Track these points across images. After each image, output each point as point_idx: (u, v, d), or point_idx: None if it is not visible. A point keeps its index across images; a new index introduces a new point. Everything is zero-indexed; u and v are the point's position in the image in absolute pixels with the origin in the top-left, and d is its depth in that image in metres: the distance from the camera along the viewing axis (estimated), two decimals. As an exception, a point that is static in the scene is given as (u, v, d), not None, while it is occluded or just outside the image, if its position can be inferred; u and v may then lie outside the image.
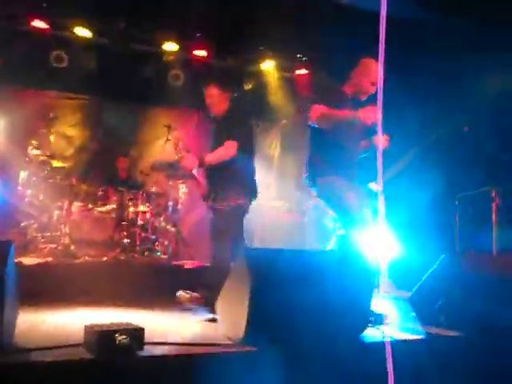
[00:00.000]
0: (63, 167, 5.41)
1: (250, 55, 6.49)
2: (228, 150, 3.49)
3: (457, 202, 5.34)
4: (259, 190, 3.73)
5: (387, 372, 1.67)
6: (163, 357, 2.03)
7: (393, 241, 4.37)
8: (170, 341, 2.28)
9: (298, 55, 6.53)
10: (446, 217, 5.41)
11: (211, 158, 3.55)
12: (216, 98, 3.66)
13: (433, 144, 5.53)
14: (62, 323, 2.93)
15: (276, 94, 6.83)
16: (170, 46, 6.18)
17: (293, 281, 2.35)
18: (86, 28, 5.79)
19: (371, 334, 2.65)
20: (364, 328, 2.54)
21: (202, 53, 6.28)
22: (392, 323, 3.03)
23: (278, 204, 6.69)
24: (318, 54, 6.18)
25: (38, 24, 5.61)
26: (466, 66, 4.80)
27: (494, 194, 4.97)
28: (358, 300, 2.51)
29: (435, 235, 5.20)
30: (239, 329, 2.32)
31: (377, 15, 1.73)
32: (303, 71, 6.67)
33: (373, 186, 4.55)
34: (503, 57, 4.48)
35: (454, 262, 3.20)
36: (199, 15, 5.46)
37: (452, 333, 2.76)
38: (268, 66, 6.62)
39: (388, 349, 1.76)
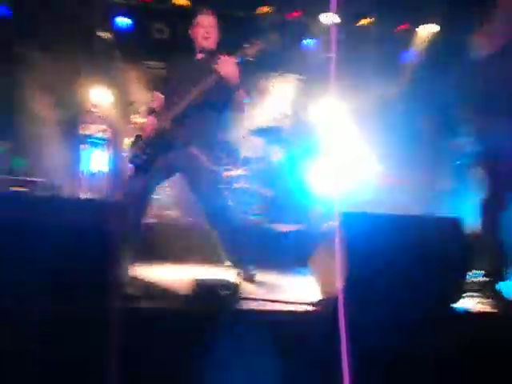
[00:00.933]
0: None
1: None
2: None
3: None
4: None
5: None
6: (258, 312, 2.11)
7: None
8: (265, 297, 2.35)
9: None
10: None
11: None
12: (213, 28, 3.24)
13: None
14: (172, 277, 3.16)
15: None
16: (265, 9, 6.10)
17: (390, 245, 2.29)
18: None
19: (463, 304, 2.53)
20: (456, 300, 2.43)
21: (296, 14, 6.14)
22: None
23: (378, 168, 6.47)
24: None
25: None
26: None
27: None
28: (453, 271, 2.39)
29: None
30: (335, 288, 2.32)
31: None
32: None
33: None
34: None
35: None
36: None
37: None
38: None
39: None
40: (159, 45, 6.11)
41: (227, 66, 2.93)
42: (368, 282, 2.26)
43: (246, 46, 3.00)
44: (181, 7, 6.00)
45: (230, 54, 3.05)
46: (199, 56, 3.27)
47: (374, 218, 2.44)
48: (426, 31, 6.36)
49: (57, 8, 5.69)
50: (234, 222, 3.27)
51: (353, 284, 2.23)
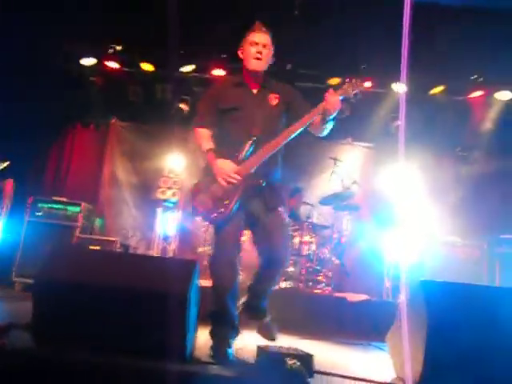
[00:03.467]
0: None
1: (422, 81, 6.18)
2: None
3: None
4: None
5: None
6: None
7: None
8: (340, 372, 2.21)
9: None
10: None
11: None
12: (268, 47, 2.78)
13: None
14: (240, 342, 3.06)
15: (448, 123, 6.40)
16: (334, 81, 6.27)
17: (478, 319, 2.09)
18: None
19: None
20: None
21: (367, 84, 6.24)
22: None
23: (452, 239, 6.16)
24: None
25: (218, 72, 6.23)
26: None
27: None
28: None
29: None
30: (414, 370, 2.13)
31: None
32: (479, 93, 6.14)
33: None
34: None
35: None
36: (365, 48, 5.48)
37: None
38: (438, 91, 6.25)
39: None
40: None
41: (334, 100, 2.56)
42: (454, 366, 2.05)
43: (347, 81, 2.63)
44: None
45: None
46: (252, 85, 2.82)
47: (456, 288, 2.25)
48: (501, 97, 6.22)
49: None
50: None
51: (434, 367, 2.04)
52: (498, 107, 6.29)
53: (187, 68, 6.19)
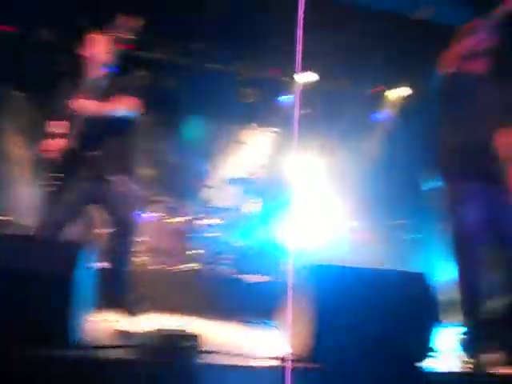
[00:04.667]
0: (143, 179, 5.70)
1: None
2: None
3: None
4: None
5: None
6: (218, 366, 2.03)
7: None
8: (223, 350, 2.27)
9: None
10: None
11: None
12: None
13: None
14: (126, 327, 3.02)
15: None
16: (245, 65, 6.32)
17: (358, 300, 2.26)
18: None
19: (430, 363, 2.48)
20: (423, 357, 2.39)
21: (276, 72, 6.36)
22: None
23: (352, 224, 6.54)
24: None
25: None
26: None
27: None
28: (419, 327, 2.37)
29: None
30: (303, 345, 2.27)
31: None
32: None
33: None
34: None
35: None
36: (276, 35, 5.56)
37: None
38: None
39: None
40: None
41: None
42: (336, 337, 2.21)
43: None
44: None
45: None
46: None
47: (341, 271, 2.42)
48: (397, 93, 6.67)
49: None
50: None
51: (320, 339, 2.18)
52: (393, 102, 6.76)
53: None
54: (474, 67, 2.83)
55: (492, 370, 2.52)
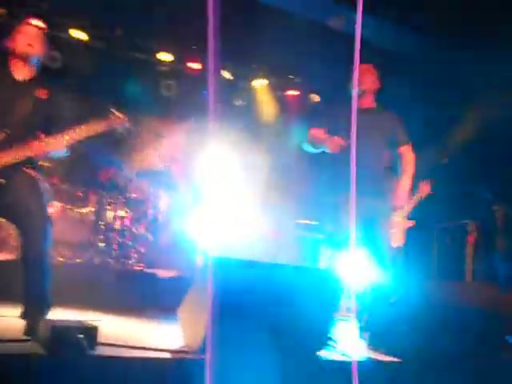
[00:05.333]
0: (46, 166, 5.39)
1: (244, 71, 6.58)
2: None
3: (435, 233, 5.43)
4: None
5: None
6: (114, 358, 2.01)
7: (368, 266, 4.40)
8: (122, 343, 2.25)
9: (290, 76, 6.65)
10: (424, 247, 5.46)
11: None
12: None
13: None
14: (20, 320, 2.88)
15: (267, 112, 6.93)
16: (165, 56, 6.24)
17: (256, 293, 2.35)
18: (84, 31, 5.84)
19: (326, 354, 2.66)
20: (320, 348, 2.55)
21: (196, 65, 6.35)
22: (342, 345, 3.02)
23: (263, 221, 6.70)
24: (310, 76, 6.31)
25: (35, 23, 5.63)
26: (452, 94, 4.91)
27: (470, 228, 5.06)
28: (317, 319, 2.52)
29: (412, 264, 5.23)
30: (198, 338, 2.30)
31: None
32: (294, 92, 6.77)
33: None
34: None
35: (423, 290, 3.22)
36: (196, 28, 5.56)
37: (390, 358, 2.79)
38: (260, 84, 6.70)
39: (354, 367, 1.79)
40: None
41: None
42: (235, 330, 2.27)
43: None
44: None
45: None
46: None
47: (242, 264, 2.49)
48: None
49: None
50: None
51: (219, 332, 2.23)
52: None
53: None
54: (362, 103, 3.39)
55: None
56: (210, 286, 2.30)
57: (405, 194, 3.34)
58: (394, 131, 3.39)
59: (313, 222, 6.28)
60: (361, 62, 1.83)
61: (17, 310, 3.09)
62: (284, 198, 6.63)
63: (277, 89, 6.85)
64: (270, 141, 6.97)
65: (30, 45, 2.68)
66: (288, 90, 6.82)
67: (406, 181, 3.34)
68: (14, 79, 2.69)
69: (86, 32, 5.86)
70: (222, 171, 5.97)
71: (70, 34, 5.83)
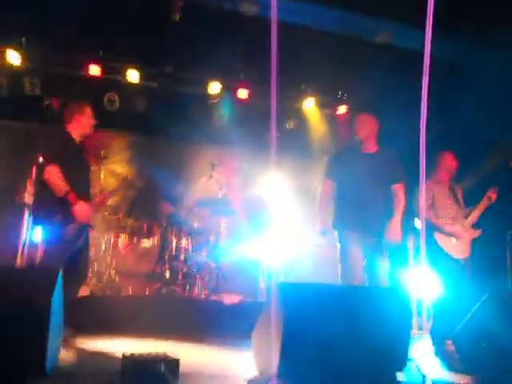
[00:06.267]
0: (111, 203, 5.68)
1: (292, 93, 6.64)
2: None
3: (508, 239, 5.15)
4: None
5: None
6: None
7: (435, 279, 4.25)
8: (206, 373, 2.30)
9: (340, 93, 6.65)
10: (497, 253, 5.19)
11: None
12: None
13: (480, 178, 5.41)
14: (104, 351, 3.02)
15: (318, 132, 6.95)
16: (215, 87, 6.44)
17: (327, 316, 2.33)
18: (136, 72, 6.17)
19: (407, 375, 2.57)
20: (400, 368, 2.47)
21: (244, 93, 6.50)
22: (425, 365, 2.91)
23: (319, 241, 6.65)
24: (358, 93, 6.28)
25: (94, 70, 6.03)
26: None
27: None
28: (395, 339, 2.45)
29: (486, 272, 4.99)
30: (272, 363, 2.31)
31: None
32: (344, 109, 6.76)
33: (417, 222, 4.46)
34: None
35: (500, 301, 3.07)
36: (242, 57, 5.73)
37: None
38: (309, 105, 6.74)
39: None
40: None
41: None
42: (302, 353, 2.26)
43: None
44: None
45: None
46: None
47: (309, 288, 2.49)
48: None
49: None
50: None
51: (288, 359, 2.23)
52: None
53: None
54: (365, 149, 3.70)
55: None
56: (280, 312, 2.32)
57: (397, 229, 3.50)
58: (391, 169, 3.63)
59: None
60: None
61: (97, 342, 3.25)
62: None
63: (326, 107, 6.86)
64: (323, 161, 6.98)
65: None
66: (337, 106, 6.81)
67: (397, 217, 3.54)
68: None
69: (139, 72, 6.18)
70: (279, 194, 6.04)
71: (124, 76, 6.17)
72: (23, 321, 2.04)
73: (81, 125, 3.54)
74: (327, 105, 6.85)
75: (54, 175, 3.22)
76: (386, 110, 3.91)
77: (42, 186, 3.30)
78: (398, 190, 3.65)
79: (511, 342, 2.68)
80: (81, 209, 3.25)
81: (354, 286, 2.94)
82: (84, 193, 3.40)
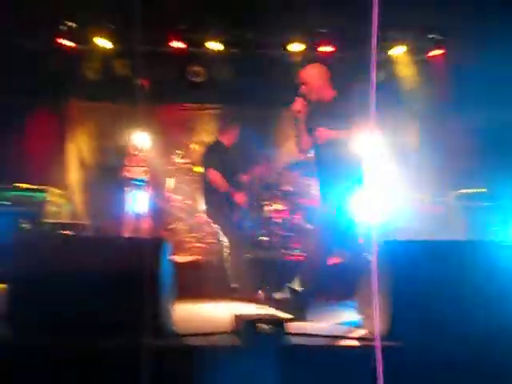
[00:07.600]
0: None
1: (378, 43, 6.24)
2: None
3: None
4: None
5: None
6: (305, 347, 2.07)
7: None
8: (311, 332, 2.30)
9: (431, 36, 6.12)
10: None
11: None
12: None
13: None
14: (212, 314, 3.16)
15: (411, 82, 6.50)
16: (297, 47, 6.25)
17: (437, 273, 2.21)
18: (219, 42, 6.17)
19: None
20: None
21: (328, 49, 6.23)
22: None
23: (420, 197, 6.34)
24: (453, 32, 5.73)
25: (176, 44, 6.13)
26: None
27: None
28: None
29: None
30: (382, 324, 2.25)
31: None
32: (438, 52, 6.21)
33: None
34: None
35: None
36: (322, 10, 5.47)
37: None
38: (399, 52, 6.30)
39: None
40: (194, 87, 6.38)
41: None
42: (413, 314, 2.17)
43: None
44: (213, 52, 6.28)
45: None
46: None
47: (415, 246, 2.36)
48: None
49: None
50: None
51: (397, 316, 2.15)
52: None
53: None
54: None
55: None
56: (388, 271, 2.24)
57: None
58: None
59: (478, 190, 5.75)
60: None
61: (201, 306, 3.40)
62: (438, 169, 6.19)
63: (417, 53, 6.37)
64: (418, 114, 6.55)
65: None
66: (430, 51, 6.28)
67: None
68: None
69: (221, 42, 6.18)
70: (374, 152, 5.78)
71: (206, 48, 6.21)
72: (140, 283, 2.17)
73: None
74: (420, 50, 6.34)
75: None
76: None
77: None
78: None
79: None
80: None
81: (465, 241, 2.74)
82: None
